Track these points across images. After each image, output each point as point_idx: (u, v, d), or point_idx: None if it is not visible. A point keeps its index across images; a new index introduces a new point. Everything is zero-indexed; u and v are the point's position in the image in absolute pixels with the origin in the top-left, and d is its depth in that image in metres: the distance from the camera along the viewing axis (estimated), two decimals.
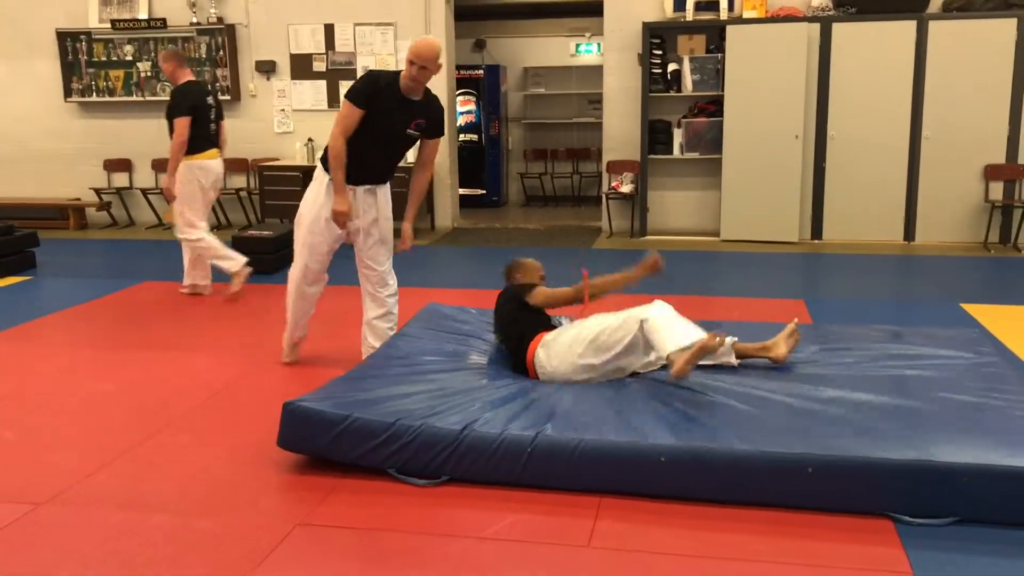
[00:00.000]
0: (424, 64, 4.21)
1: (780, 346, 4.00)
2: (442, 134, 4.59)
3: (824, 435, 3.19)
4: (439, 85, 9.09)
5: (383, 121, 4.31)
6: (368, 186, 4.49)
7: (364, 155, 4.36)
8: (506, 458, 3.21)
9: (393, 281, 4.71)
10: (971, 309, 5.79)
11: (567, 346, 3.90)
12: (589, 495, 3.16)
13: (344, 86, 9.27)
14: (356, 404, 3.43)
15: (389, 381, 3.76)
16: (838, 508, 3.01)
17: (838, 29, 8.10)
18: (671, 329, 3.72)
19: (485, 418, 3.36)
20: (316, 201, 4.48)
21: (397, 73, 4.35)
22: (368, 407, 3.41)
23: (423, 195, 4.67)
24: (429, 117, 4.45)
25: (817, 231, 8.47)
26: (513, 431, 3.26)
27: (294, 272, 4.68)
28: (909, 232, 8.31)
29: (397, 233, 4.61)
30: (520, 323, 4.10)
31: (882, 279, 7.10)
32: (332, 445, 3.34)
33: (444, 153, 9.37)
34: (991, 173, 8.09)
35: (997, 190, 8.14)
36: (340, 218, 4.38)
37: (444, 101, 9.11)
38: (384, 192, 4.57)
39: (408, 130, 4.40)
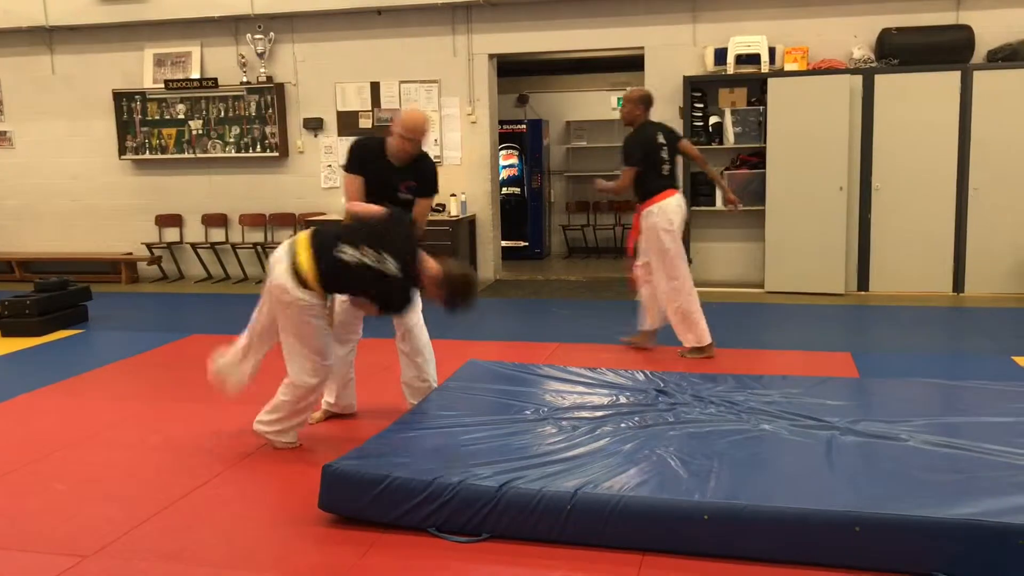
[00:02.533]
0: (413, 137, 4.33)
1: None
2: (435, 192, 4.60)
3: (872, 492, 3.13)
4: (483, 140, 9.23)
5: (373, 182, 4.40)
6: None
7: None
8: (546, 515, 3.18)
9: (420, 334, 4.64)
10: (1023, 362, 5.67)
11: None
12: (631, 552, 3.12)
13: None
14: (394, 464, 3.43)
15: (427, 438, 3.76)
16: (886, 567, 2.93)
17: (881, 81, 8.08)
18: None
19: (525, 475, 3.34)
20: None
21: (382, 139, 4.46)
22: (406, 466, 3.41)
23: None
24: (418, 178, 4.49)
25: (863, 283, 8.36)
26: (552, 488, 3.23)
27: None
28: (958, 283, 8.18)
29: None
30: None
31: (931, 331, 6.98)
32: (372, 506, 3.34)
33: (487, 206, 9.47)
34: None
35: None
36: None
37: (487, 155, 9.31)
38: None
39: (399, 193, 4.44)
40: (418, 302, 4.63)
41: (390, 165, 4.41)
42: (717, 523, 3.05)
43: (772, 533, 3.02)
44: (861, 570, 2.95)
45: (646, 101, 6.07)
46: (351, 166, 4.45)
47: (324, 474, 3.41)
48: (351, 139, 9.25)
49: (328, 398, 4.80)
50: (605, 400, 4.42)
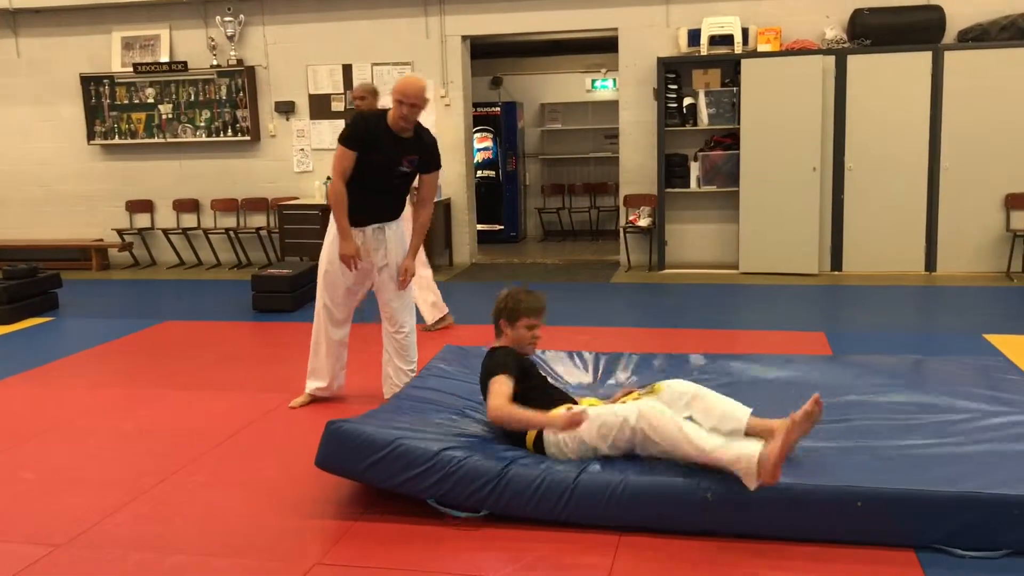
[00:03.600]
0: (413, 102, 4.25)
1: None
2: (438, 167, 4.57)
3: (872, 468, 3.15)
4: (457, 123, 9.18)
5: (377, 160, 4.35)
6: (376, 224, 4.51)
7: (365, 197, 4.40)
8: (548, 495, 3.17)
9: (407, 319, 4.67)
10: (994, 340, 5.72)
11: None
12: (609, 532, 3.13)
13: None
14: (401, 430, 3.43)
15: (423, 417, 3.74)
16: (888, 542, 2.96)
17: (853, 61, 8.11)
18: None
19: (528, 455, 3.34)
20: (330, 242, 4.55)
21: (384, 112, 4.40)
22: (411, 435, 3.39)
23: (425, 231, 4.65)
24: (422, 152, 4.46)
25: (837, 263, 8.42)
26: (555, 469, 3.23)
27: (317, 310, 4.70)
28: (930, 262, 8.25)
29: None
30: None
31: (903, 310, 7.04)
32: (371, 469, 3.31)
33: (462, 189, 9.43)
34: (1012, 202, 8.04)
35: (1019, 219, 8.08)
36: (347, 261, 4.42)
37: (461, 138, 9.27)
38: (394, 229, 4.56)
39: (401, 168, 4.42)
40: (404, 290, 4.61)
41: (393, 137, 4.35)
42: (719, 503, 3.06)
43: (773, 510, 3.03)
44: (861, 545, 2.97)
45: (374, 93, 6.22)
46: (350, 140, 4.34)
47: (327, 431, 3.38)
48: (323, 122, 9.35)
49: (319, 383, 4.76)
50: (588, 381, 4.43)
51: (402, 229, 4.62)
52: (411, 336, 4.69)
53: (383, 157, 4.36)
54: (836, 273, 8.40)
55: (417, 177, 4.55)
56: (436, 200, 8.91)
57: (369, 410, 3.87)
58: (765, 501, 3.03)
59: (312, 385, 4.77)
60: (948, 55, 7.95)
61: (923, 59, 7.99)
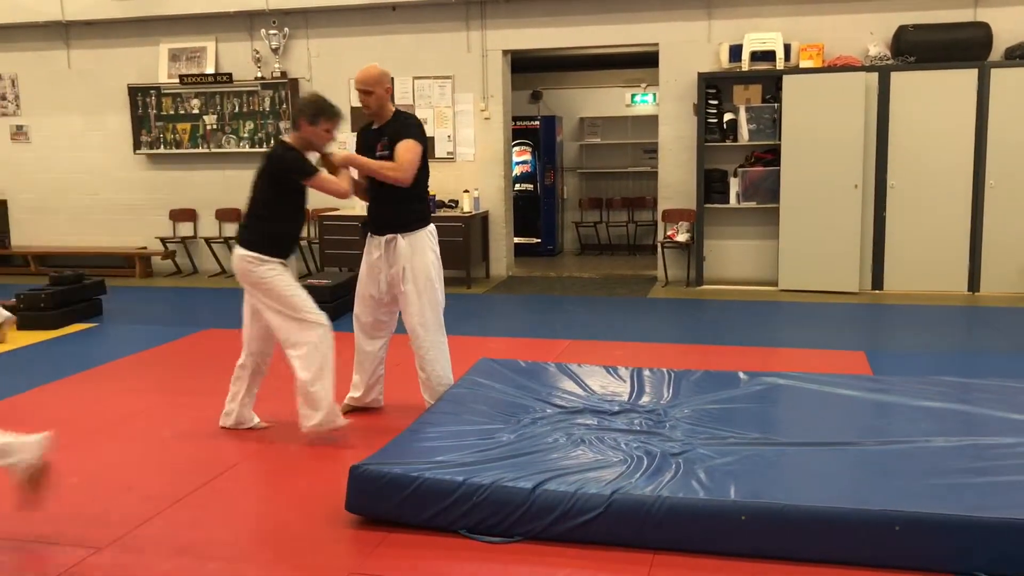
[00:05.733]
0: (362, 88, 4.47)
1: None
2: (409, 136, 4.43)
3: (912, 492, 3.11)
4: (496, 136, 9.21)
5: (361, 149, 4.58)
6: (388, 235, 4.49)
7: (371, 199, 4.58)
8: (580, 515, 3.15)
9: (420, 331, 4.54)
10: None
11: None
12: (642, 551, 3.11)
13: None
14: (423, 465, 3.40)
15: (452, 438, 3.74)
16: (925, 567, 2.92)
17: (897, 78, 8.03)
18: None
19: (559, 475, 3.31)
20: (364, 252, 4.62)
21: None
22: (435, 467, 3.37)
23: (385, 170, 4.39)
24: (392, 132, 4.49)
25: (878, 281, 8.32)
26: (588, 489, 3.21)
27: (354, 322, 4.76)
28: (973, 283, 8.12)
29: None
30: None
31: (946, 330, 6.93)
32: (401, 507, 3.31)
33: (500, 202, 9.46)
34: None
35: None
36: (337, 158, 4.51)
37: (500, 151, 9.30)
38: (411, 241, 4.49)
39: (377, 154, 4.50)
40: (429, 300, 4.59)
41: (371, 129, 4.60)
42: (755, 523, 3.03)
43: (810, 532, 3.00)
44: (899, 569, 2.93)
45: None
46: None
47: (351, 476, 3.36)
48: None
49: (354, 392, 4.80)
50: (624, 398, 4.40)
51: (422, 243, 4.52)
52: (426, 348, 4.57)
53: (364, 150, 4.57)
54: (877, 292, 8.29)
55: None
56: (474, 213, 9.03)
57: (404, 430, 3.87)
58: (801, 523, 3.00)
59: (349, 395, 4.80)
60: (995, 72, 7.85)
61: (968, 76, 7.89)
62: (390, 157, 4.43)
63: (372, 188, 4.55)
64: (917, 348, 6.23)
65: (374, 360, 4.75)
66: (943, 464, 3.39)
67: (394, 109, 4.59)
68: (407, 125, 4.50)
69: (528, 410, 4.19)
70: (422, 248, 4.53)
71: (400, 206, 4.50)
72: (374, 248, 4.55)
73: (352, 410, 4.81)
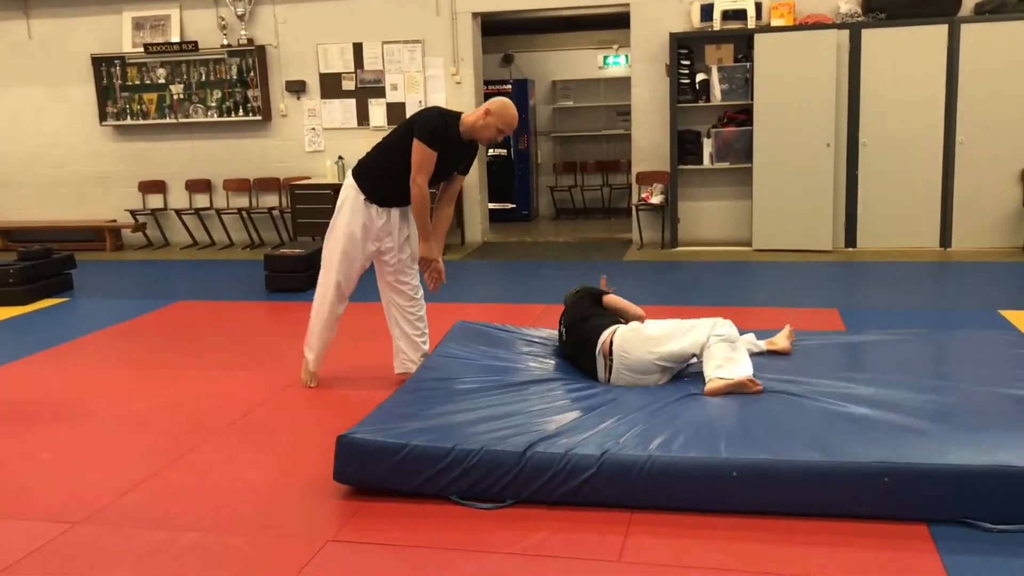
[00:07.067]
0: (506, 131, 4.39)
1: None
2: (468, 171, 4.70)
3: (895, 442, 3.14)
4: (468, 101, 9.13)
5: (444, 160, 4.38)
6: (400, 207, 4.54)
7: (402, 183, 4.39)
8: (572, 476, 3.15)
9: (421, 296, 4.72)
10: (1010, 316, 5.68)
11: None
12: (621, 510, 3.13)
13: (373, 104, 9.35)
14: (411, 432, 3.37)
15: (437, 404, 3.72)
16: (914, 516, 2.96)
17: (868, 35, 8.02)
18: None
19: (548, 438, 3.30)
20: (349, 217, 4.51)
21: (457, 114, 4.44)
22: (424, 434, 3.35)
23: (447, 228, 4.66)
24: (469, 156, 4.58)
25: (851, 239, 8.37)
26: (579, 450, 3.20)
27: (325, 290, 4.65)
28: (945, 238, 8.19)
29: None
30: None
31: (918, 287, 7.00)
32: (390, 475, 3.28)
33: (474, 168, 9.36)
34: None
35: None
36: (425, 264, 4.51)
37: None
38: (408, 211, 4.58)
39: (458, 170, 4.55)
40: (417, 264, 4.62)
41: (460, 145, 4.44)
42: (746, 480, 3.05)
43: (801, 487, 3.03)
44: (888, 520, 2.97)
45: None
46: (433, 141, 4.30)
47: (338, 445, 3.33)
48: (335, 102, 9.32)
49: (316, 364, 4.78)
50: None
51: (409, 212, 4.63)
52: (422, 310, 4.73)
53: (450, 159, 4.42)
54: (850, 249, 8.35)
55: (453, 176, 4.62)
56: None
57: (388, 398, 3.86)
58: (791, 478, 3.02)
59: (310, 357, 4.77)
60: (965, 28, 7.85)
61: (939, 32, 7.90)
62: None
63: (382, 172, 4.49)
64: (890, 304, 6.28)
65: (337, 323, 4.75)
66: (922, 415, 3.41)
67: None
68: (476, 154, 4.67)
69: (510, 372, 4.19)
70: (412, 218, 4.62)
71: (405, 187, 4.49)
72: (376, 216, 4.49)
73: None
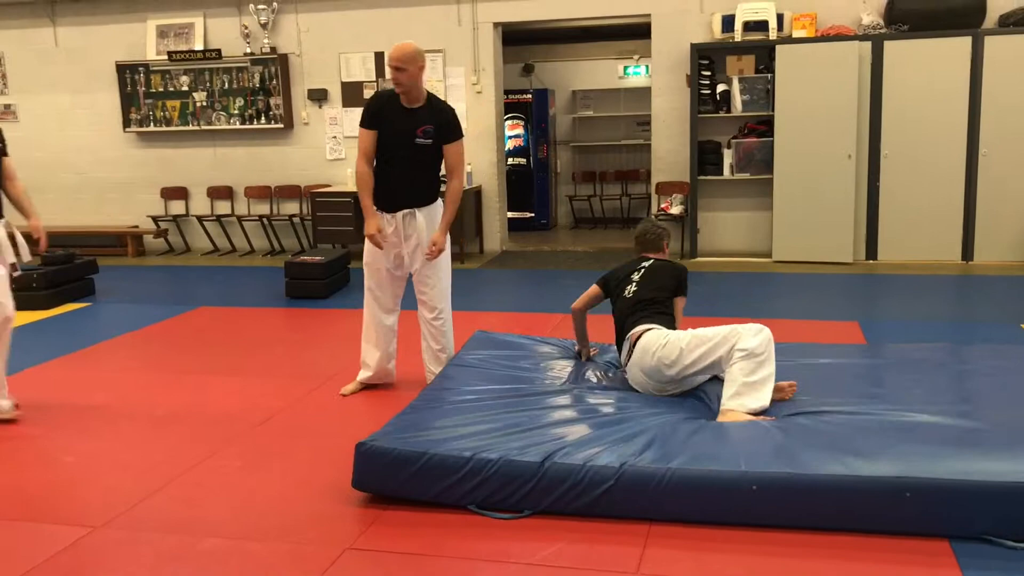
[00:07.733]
0: (396, 65, 4.28)
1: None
2: (459, 137, 4.51)
3: (917, 457, 3.11)
4: (488, 110, 9.16)
5: (389, 132, 4.39)
6: (406, 211, 4.50)
7: (388, 176, 4.43)
8: (590, 487, 3.14)
9: (443, 305, 4.65)
10: None
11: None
12: (639, 522, 3.12)
13: None
14: (430, 441, 3.37)
15: (456, 413, 3.72)
16: (935, 533, 2.93)
17: (890, 47, 7.99)
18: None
19: (566, 449, 3.29)
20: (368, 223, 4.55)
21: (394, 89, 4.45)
22: (442, 443, 3.35)
23: (456, 203, 4.53)
24: (437, 122, 4.44)
25: (872, 251, 8.32)
26: (597, 462, 3.19)
27: (366, 297, 4.70)
28: (967, 251, 8.13)
29: (453, 256, 4.62)
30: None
31: (939, 300, 6.95)
32: (409, 484, 3.28)
33: (492, 176, 9.42)
34: None
35: None
36: (371, 239, 4.47)
37: (492, 125, 9.25)
38: (428, 214, 4.54)
39: (417, 139, 4.41)
40: (444, 271, 4.62)
41: (404, 109, 4.40)
42: (765, 493, 3.03)
43: (821, 501, 3.00)
44: (910, 535, 2.95)
45: None
46: (364, 120, 4.45)
47: (357, 453, 3.34)
48: (356, 110, 9.35)
49: (366, 372, 4.77)
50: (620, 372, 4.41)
51: (437, 215, 4.56)
52: (447, 323, 4.69)
53: (394, 130, 4.40)
54: (871, 262, 8.30)
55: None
56: (467, 188, 9.00)
57: (407, 406, 3.87)
58: (811, 492, 3.00)
59: (363, 374, 4.78)
60: (988, 40, 7.81)
61: (962, 44, 7.86)
62: (433, 147, 4.44)
63: (402, 168, 4.47)
64: (911, 317, 6.23)
65: (390, 334, 4.74)
66: (944, 430, 3.39)
67: (426, 91, 4.47)
68: (452, 118, 4.48)
69: (529, 381, 4.19)
70: (435, 219, 4.56)
71: (415, 187, 4.51)
72: (386, 224, 4.51)
73: (364, 388, 4.79)
